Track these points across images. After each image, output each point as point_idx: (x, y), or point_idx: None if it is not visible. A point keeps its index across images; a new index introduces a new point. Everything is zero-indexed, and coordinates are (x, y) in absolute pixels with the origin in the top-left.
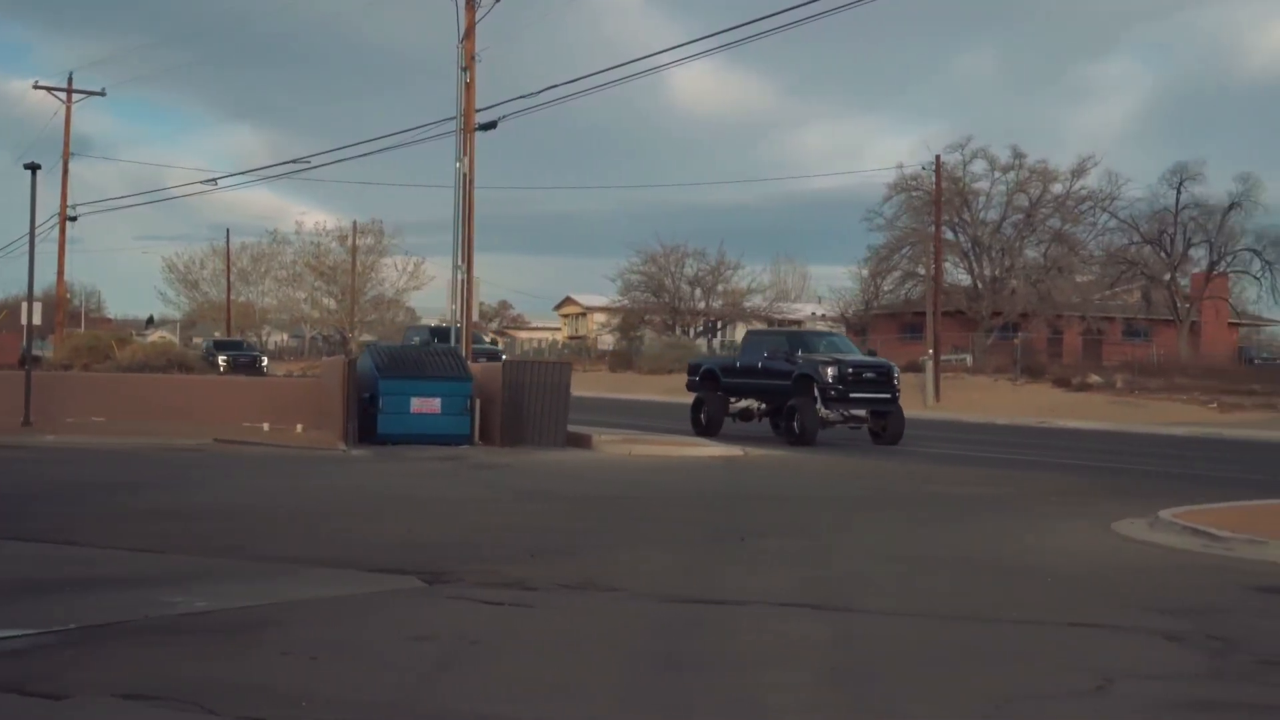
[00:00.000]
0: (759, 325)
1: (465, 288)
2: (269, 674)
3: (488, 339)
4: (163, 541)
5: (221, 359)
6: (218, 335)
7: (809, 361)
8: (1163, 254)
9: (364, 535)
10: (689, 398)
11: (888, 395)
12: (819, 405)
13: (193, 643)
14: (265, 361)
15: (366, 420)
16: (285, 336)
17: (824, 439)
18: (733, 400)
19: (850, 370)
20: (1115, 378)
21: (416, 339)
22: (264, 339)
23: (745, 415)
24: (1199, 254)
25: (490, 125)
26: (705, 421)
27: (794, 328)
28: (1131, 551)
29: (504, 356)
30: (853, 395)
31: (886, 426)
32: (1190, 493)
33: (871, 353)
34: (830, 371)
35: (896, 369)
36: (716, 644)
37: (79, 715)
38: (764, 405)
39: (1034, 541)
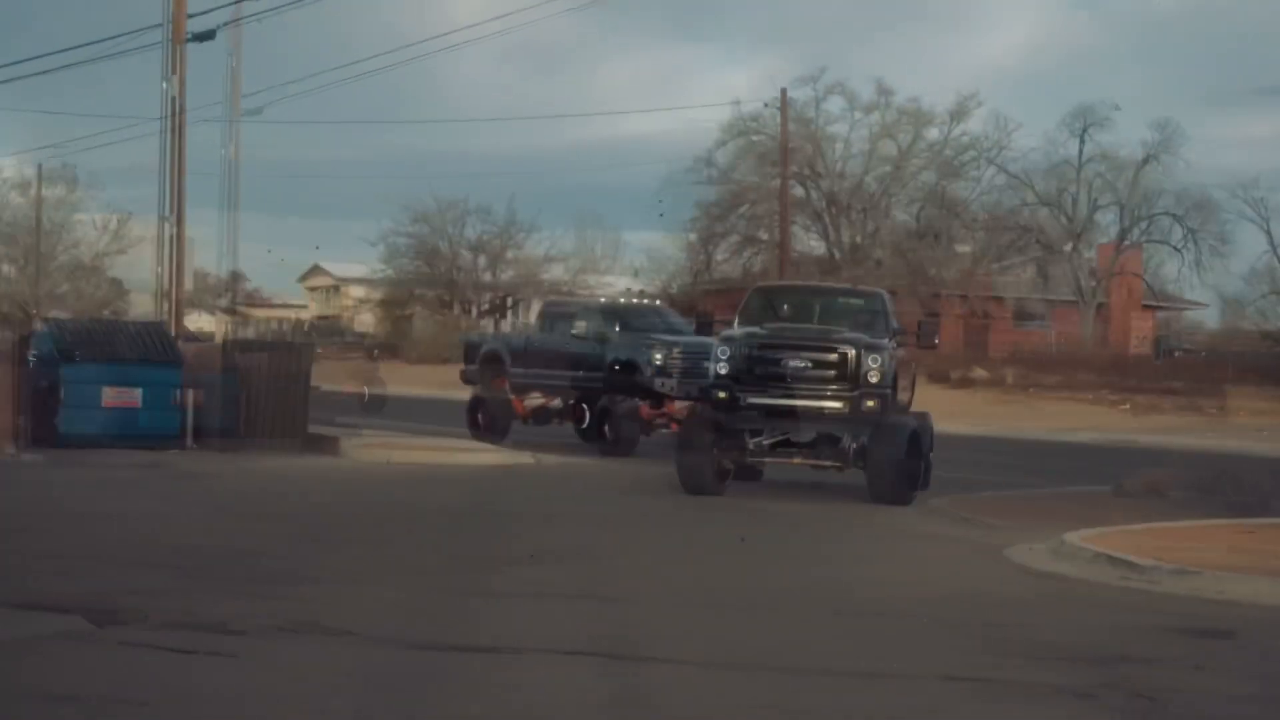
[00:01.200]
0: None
1: (176, 246)
2: None
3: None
4: None
5: None
6: None
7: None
8: (1063, 218)
9: (21, 563)
10: (467, 391)
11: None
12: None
13: None
14: None
15: (45, 416)
16: None
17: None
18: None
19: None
20: (1005, 372)
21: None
22: None
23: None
24: (1108, 219)
25: (207, 35)
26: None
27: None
28: (1029, 583)
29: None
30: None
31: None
32: (1105, 513)
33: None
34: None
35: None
36: (473, 706)
37: None
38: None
39: (905, 571)
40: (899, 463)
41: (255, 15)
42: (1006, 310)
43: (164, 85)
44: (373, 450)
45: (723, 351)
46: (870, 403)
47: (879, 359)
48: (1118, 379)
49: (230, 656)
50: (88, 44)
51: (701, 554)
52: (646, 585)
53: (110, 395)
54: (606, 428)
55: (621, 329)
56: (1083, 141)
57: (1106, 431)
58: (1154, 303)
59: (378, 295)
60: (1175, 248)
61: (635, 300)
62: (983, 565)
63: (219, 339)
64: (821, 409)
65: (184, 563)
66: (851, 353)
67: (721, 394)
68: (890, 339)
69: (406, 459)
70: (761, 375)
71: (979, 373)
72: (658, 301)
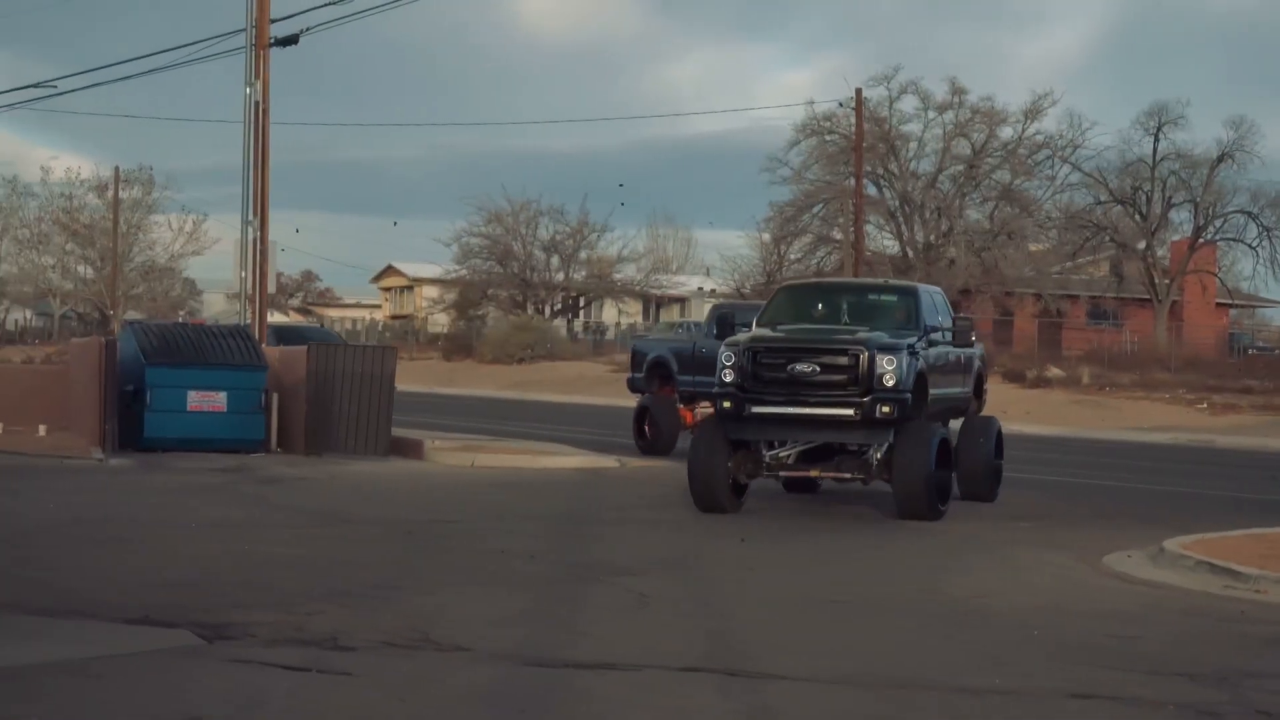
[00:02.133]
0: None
1: (259, 249)
2: None
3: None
4: None
5: None
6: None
7: None
8: (1137, 216)
9: (122, 574)
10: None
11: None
12: None
13: None
14: None
15: (130, 420)
16: (29, 314)
17: None
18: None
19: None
20: (1080, 371)
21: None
22: (2, 315)
23: None
24: (1181, 217)
25: (290, 40)
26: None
27: None
28: (1131, 593)
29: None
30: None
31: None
32: (1194, 517)
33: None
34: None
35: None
36: None
37: None
38: None
39: (1003, 581)
40: (926, 474)
41: (339, 20)
42: (1080, 309)
43: (247, 90)
44: (456, 454)
45: (727, 358)
46: (885, 409)
47: (895, 360)
48: (1194, 377)
49: (344, 675)
50: (170, 49)
51: (790, 563)
52: (744, 595)
53: (195, 399)
54: None
55: None
56: (1157, 139)
57: (1190, 431)
58: (1228, 300)
59: (451, 295)
60: (1250, 245)
61: None
62: (1082, 574)
63: None
64: (831, 417)
65: (284, 572)
66: (863, 354)
67: (727, 403)
68: (921, 338)
69: (489, 463)
70: (768, 382)
71: (1054, 372)
72: None
